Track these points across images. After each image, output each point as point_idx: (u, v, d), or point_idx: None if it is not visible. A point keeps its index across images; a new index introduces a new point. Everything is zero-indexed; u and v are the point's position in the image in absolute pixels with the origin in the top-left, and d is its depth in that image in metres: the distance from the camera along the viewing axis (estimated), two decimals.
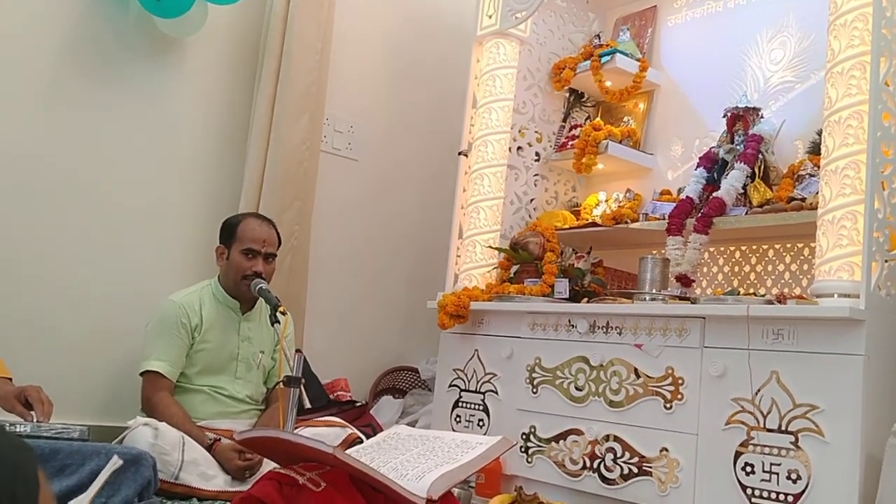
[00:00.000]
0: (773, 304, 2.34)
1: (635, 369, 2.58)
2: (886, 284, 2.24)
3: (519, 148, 3.51)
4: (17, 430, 1.99)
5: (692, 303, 2.55)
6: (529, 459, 2.82)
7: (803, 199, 2.61)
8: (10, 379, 2.23)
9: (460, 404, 3.13)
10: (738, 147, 2.90)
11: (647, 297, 2.70)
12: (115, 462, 1.24)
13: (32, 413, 2.07)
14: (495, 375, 3.01)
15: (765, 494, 2.21)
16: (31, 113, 2.91)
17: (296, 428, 2.21)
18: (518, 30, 3.36)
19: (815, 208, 2.37)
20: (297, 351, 2.22)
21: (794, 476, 2.16)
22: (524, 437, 2.85)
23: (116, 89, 3.09)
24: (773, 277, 2.92)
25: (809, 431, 2.16)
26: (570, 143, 3.48)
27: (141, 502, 1.98)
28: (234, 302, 2.75)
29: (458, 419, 3.12)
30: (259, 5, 3.42)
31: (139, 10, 3.05)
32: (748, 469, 2.26)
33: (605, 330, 2.70)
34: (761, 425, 2.25)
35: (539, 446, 2.80)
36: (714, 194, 2.83)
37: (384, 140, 3.89)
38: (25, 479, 0.70)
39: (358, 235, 3.81)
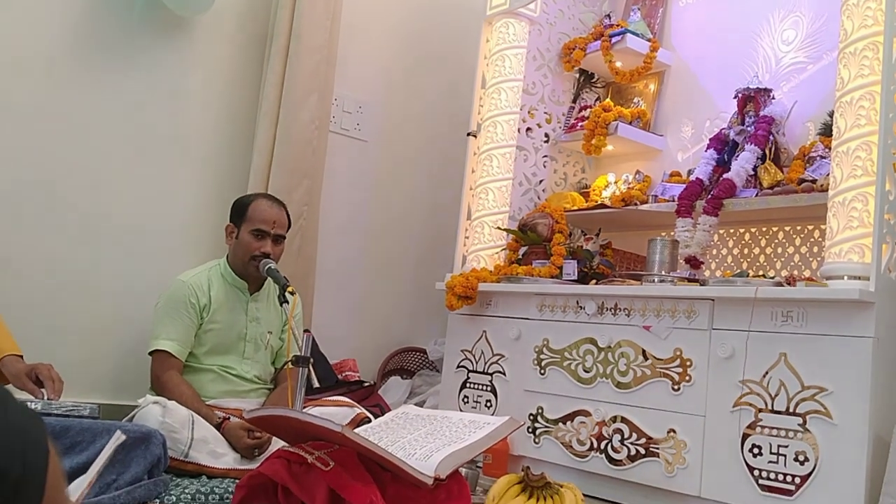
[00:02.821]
0: (782, 286, 2.33)
1: (643, 351, 2.58)
2: None
3: (528, 129, 3.50)
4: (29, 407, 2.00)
5: (701, 285, 2.54)
6: (537, 440, 2.83)
7: (814, 181, 2.59)
8: (21, 356, 2.24)
9: (468, 385, 3.13)
10: (748, 128, 2.89)
11: (656, 279, 2.70)
12: (119, 437, 1.25)
13: (43, 391, 2.09)
14: (503, 356, 3.02)
15: (772, 476, 2.22)
16: (39, 92, 2.91)
17: (304, 407, 2.22)
18: (528, 9, 3.34)
19: (826, 190, 2.35)
20: (306, 331, 2.22)
21: (801, 458, 2.17)
22: (532, 417, 2.86)
23: (125, 69, 3.08)
24: (782, 259, 2.91)
25: (817, 413, 2.16)
26: (580, 124, 3.46)
27: (150, 479, 2.00)
28: (242, 282, 2.75)
29: (465, 400, 3.13)
30: None
31: None
32: (755, 451, 2.26)
33: (613, 311, 2.69)
34: (769, 407, 2.25)
35: (546, 427, 2.81)
36: (724, 176, 2.81)
37: (393, 120, 3.88)
38: (35, 444, 0.71)
39: (366, 216, 3.81)
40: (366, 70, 3.79)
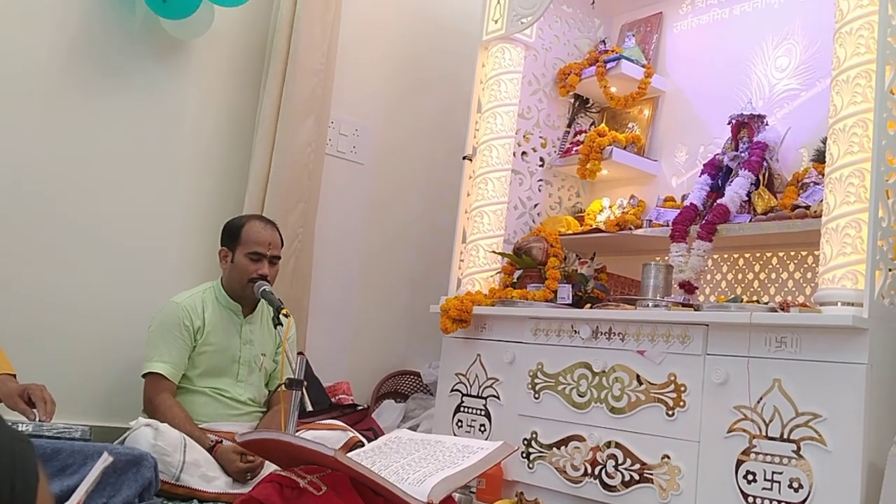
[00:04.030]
0: (776, 311, 2.34)
1: (637, 376, 2.57)
2: (890, 293, 2.24)
3: (523, 153, 3.51)
4: (19, 428, 1.99)
5: (695, 310, 2.54)
6: (531, 465, 2.82)
7: (807, 207, 2.60)
8: (14, 376, 2.23)
9: (462, 409, 3.12)
10: (742, 154, 2.90)
11: (651, 304, 2.70)
12: (106, 459, 1.24)
13: (35, 412, 2.08)
14: (497, 380, 3.01)
15: (766, 503, 2.21)
16: (37, 114, 2.92)
17: (297, 431, 2.21)
18: (524, 35, 3.37)
19: (820, 216, 2.36)
20: (300, 353, 2.22)
21: (795, 485, 2.16)
22: (525, 442, 2.85)
23: (122, 90, 3.10)
24: (776, 285, 2.92)
25: (811, 440, 2.15)
26: (575, 148, 3.48)
27: (141, 503, 1.98)
28: (236, 304, 2.75)
29: (459, 424, 3.12)
30: (266, 7, 3.43)
31: (146, 11, 3.06)
32: (750, 477, 2.25)
33: (607, 336, 2.69)
34: (763, 433, 2.25)
35: (540, 452, 2.80)
36: (718, 201, 2.82)
37: (389, 144, 3.90)
38: (24, 470, 0.70)
39: (362, 239, 3.81)
40: (362, 93, 3.80)
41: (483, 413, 3.04)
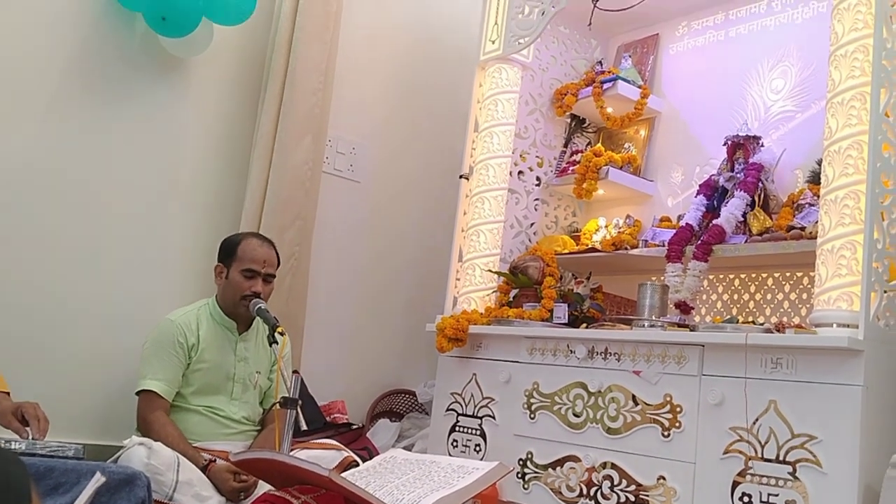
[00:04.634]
0: (771, 332, 2.34)
1: (633, 396, 2.57)
2: (885, 315, 2.24)
3: (520, 172, 3.52)
4: (12, 446, 1.98)
5: (691, 330, 2.54)
6: (526, 486, 2.81)
7: (803, 228, 2.61)
8: (8, 393, 2.22)
9: (457, 428, 3.11)
10: (738, 175, 2.91)
11: (646, 324, 2.70)
12: (98, 479, 1.23)
13: (28, 430, 2.06)
14: (493, 400, 3.00)
15: None
16: (36, 130, 2.92)
17: (292, 450, 2.20)
18: (521, 55, 3.38)
19: (815, 237, 2.37)
20: (295, 372, 2.21)
21: None
22: (521, 462, 2.84)
23: (121, 108, 3.10)
24: (772, 306, 2.92)
25: (807, 462, 2.15)
26: (571, 168, 3.49)
27: None
28: (231, 322, 2.74)
29: (454, 444, 3.11)
30: (264, 26, 3.44)
31: (145, 29, 3.07)
32: (746, 499, 2.25)
33: (603, 356, 2.69)
34: (759, 455, 2.24)
35: (536, 473, 2.79)
36: (714, 222, 2.83)
37: (386, 162, 3.91)
38: (18, 493, 0.70)
39: (358, 257, 3.81)
40: (360, 112, 3.82)
41: (478, 433, 3.03)
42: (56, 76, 2.96)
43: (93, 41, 3.04)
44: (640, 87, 3.45)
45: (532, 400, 2.86)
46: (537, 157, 3.60)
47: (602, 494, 2.57)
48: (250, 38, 3.44)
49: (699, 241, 2.81)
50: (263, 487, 2.29)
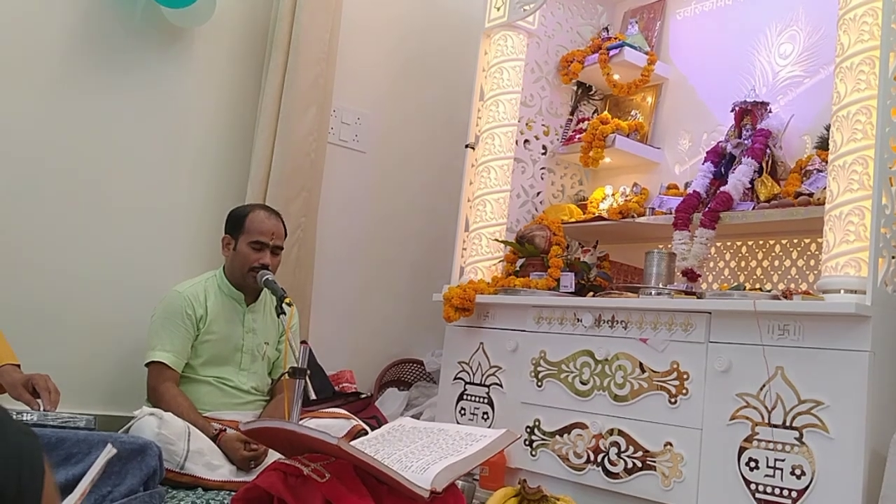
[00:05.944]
0: (779, 299, 2.34)
1: (640, 364, 2.58)
2: (893, 280, 2.24)
3: (526, 141, 3.51)
4: (24, 418, 2.00)
5: (698, 297, 2.54)
6: (533, 453, 2.83)
7: (810, 195, 2.60)
8: (19, 366, 2.24)
9: (465, 397, 3.13)
10: (745, 142, 2.89)
11: (653, 292, 2.70)
12: (109, 451, 1.24)
13: (39, 401, 2.09)
14: (500, 368, 3.02)
15: (769, 490, 2.21)
16: (39, 103, 2.91)
17: (301, 419, 2.22)
18: (526, 22, 3.35)
19: (823, 204, 2.36)
20: (303, 342, 2.22)
21: (798, 472, 2.16)
22: (528, 430, 2.85)
23: (123, 79, 3.09)
24: (779, 273, 2.91)
25: (814, 427, 2.15)
26: (578, 136, 3.47)
27: (146, 491, 1.99)
28: (239, 293, 2.75)
29: (462, 412, 3.13)
30: None
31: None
32: (752, 464, 2.26)
33: (610, 324, 2.70)
34: (766, 421, 2.25)
35: (543, 440, 2.80)
36: (721, 189, 2.82)
37: (391, 132, 3.89)
38: (31, 464, 0.71)
39: (364, 227, 3.81)
40: (364, 82, 3.80)
41: (486, 401, 3.05)
42: (58, 48, 2.95)
43: (94, 11, 3.02)
44: (646, 53, 3.41)
45: (539, 368, 2.87)
46: (543, 125, 3.58)
47: (609, 461, 2.59)
48: (253, 8, 3.42)
49: (706, 209, 2.79)
50: (273, 456, 2.31)
